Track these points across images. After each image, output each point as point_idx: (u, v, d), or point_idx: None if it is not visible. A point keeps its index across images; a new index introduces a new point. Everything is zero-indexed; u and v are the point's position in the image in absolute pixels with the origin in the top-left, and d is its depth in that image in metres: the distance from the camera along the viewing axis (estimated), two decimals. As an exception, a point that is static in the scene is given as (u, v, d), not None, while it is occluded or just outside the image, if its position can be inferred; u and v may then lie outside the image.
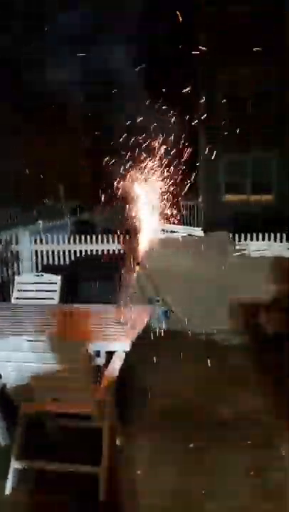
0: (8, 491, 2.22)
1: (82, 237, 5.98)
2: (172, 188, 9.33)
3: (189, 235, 5.25)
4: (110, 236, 5.92)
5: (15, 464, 2.26)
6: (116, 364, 2.37)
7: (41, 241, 6.10)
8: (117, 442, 2.58)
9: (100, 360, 3.08)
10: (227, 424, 2.83)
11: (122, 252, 5.71)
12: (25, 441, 2.34)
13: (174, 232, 5.29)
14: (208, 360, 3.92)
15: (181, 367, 3.78)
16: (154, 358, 3.99)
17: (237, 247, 5.17)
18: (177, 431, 2.75)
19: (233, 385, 3.39)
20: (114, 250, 5.85)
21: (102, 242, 5.93)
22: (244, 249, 5.05)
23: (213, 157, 13.49)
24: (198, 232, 5.28)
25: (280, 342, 4.27)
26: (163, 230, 5.27)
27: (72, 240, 6.04)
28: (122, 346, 2.35)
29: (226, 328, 4.64)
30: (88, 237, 5.97)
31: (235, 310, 4.70)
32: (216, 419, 2.89)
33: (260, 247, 5.09)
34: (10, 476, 2.24)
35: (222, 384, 3.41)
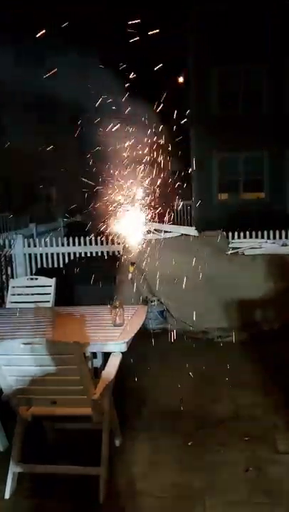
0: (7, 495, 2.20)
1: (76, 240, 5.97)
2: (165, 188, 9.34)
3: (183, 234, 5.25)
4: (104, 238, 5.91)
5: (14, 468, 2.25)
6: (113, 365, 2.37)
7: (34, 244, 6.08)
8: (116, 443, 2.58)
9: (97, 362, 3.08)
10: (224, 421, 2.84)
11: (116, 253, 5.70)
12: (24, 444, 2.33)
13: (168, 232, 5.29)
14: (205, 359, 3.94)
15: (178, 366, 3.78)
16: (151, 358, 4.00)
17: (231, 246, 5.19)
18: (175, 429, 2.76)
19: (230, 382, 3.40)
20: (108, 252, 5.85)
21: (96, 244, 5.92)
22: (238, 248, 5.06)
23: (204, 157, 13.60)
24: (192, 231, 5.28)
25: (276, 339, 4.30)
26: (156, 230, 5.27)
27: (65, 243, 6.03)
28: (118, 347, 2.35)
29: (222, 326, 4.65)
30: (82, 240, 5.96)
31: (231, 308, 4.71)
32: (213, 417, 2.89)
33: (254, 245, 5.11)
34: (9, 480, 2.23)
35: (218, 382, 3.42)
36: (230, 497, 2.13)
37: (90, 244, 5.93)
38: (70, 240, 5.98)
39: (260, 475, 2.28)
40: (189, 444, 2.59)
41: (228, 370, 3.66)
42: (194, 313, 4.74)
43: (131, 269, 3.22)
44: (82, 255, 5.92)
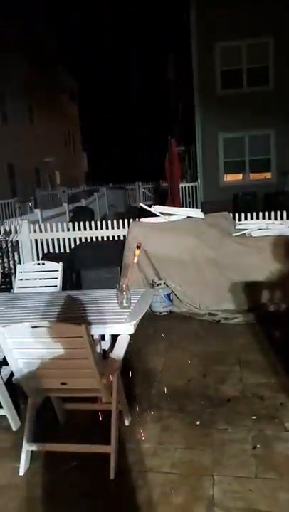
0: (22, 472, 2.28)
1: (82, 225, 5.97)
2: (171, 170, 9.27)
3: (189, 217, 5.22)
4: (110, 222, 5.91)
5: (27, 447, 2.31)
6: (121, 346, 2.40)
7: (40, 230, 6.09)
8: (126, 423, 2.64)
9: (105, 344, 3.12)
10: (232, 400, 2.88)
11: (122, 237, 5.70)
12: (35, 425, 2.40)
13: (174, 214, 5.27)
14: (212, 340, 3.98)
15: (185, 347, 3.83)
16: (158, 340, 4.04)
17: (237, 227, 5.16)
18: (183, 409, 2.81)
19: (237, 363, 3.44)
20: (114, 236, 5.85)
21: (102, 228, 5.91)
22: (245, 229, 5.04)
23: (209, 136, 13.41)
24: (198, 213, 5.25)
25: (282, 320, 4.31)
26: (162, 213, 5.25)
27: (71, 228, 6.03)
28: (126, 329, 2.37)
29: (229, 308, 4.67)
30: (87, 224, 5.96)
31: (238, 290, 4.72)
32: (221, 396, 2.93)
33: (261, 226, 5.07)
34: (23, 458, 2.30)
35: (226, 362, 3.46)
36: (238, 473, 2.18)
37: (96, 228, 5.93)
38: (76, 224, 5.98)
39: (268, 452, 2.33)
40: (197, 423, 2.64)
41: (235, 350, 3.69)
42: (201, 295, 4.76)
43: (136, 252, 3.22)
44: (88, 240, 5.93)
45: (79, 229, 5.96)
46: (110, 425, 2.28)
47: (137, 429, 2.61)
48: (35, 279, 3.88)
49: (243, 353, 3.62)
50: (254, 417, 2.66)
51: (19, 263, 5.86)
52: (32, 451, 2.35)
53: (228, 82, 13.31)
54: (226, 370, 3.34)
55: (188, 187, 14.45)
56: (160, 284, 4.80)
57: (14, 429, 2.66)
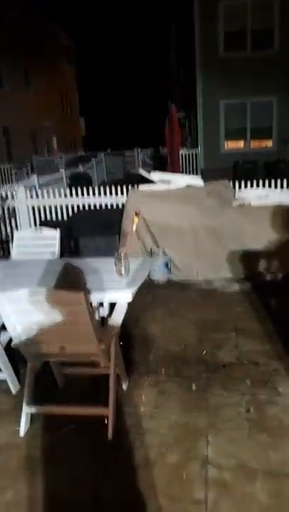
0: (22, 433, 2.35)
1: (79, 191, 5.88)
2: (171, 136, 9.07)
3: (189, 184, 5.15)
4: (108, 189, 5.82)
5: (27, 410, 2.38)
6: (119, 313, 2.42)
7: (37, 196, 6.01)
8: (123, 387, 2.70)
9: (104, 311, 3.15)
10: (227, 366, 2.94)
11: (120, 205, 5.64)
12: (35, 388, 2.45)
13: (173, 182, 5.19)
14: (209, 308, 4.03)
15: (183, 314, 3.87)
16: (156, 307, 4.09)
17: (237, 196, 5.10)
18: (180, 374, 2.87)
19: (233, 330, 3.49)
20: (112, 203, 5.78)
21: (100, 195, 5.84)
22: (244, 198, 4.98)
23: (211, 102, 13.03)
24: (197, 181, 5.17)
25: (279, 289, 4.35)
26: (162, 180, 5.17)
27: (68, 194, 5.95)
28: (124, 297, 2.38)
29: (226, 276, 4.70)
30: (85, 191, 5.88)
31: (236, 259, 4.73)
32: (217, 362, 3.00)
33: (260, 194, 5.02)
34: (23, 420, 2.36)
35: (222, 329, 3.51)
36: (232, 435, 2.25)
37: (94, 195, 5.85)
38: (74, 191, 5.89)
39: (261, 415, 2.40)
40: (193, 387, 2.71)
41: (232, 318, 3.74)
42: (198, 264, 4.78)
43: (135, 220, 3.19)
44: (86, 207, 5.86)
45: (76, 195, 5.89)
46: (108, 389, 2.33)
47: (134, 393, 2.67)
48: (33, 246, 3.86)
49: (239, 321, 3.67)
50: (248, 382, 2.73)
51: (16, 230, 5.82)
52: (32, 413, 2.42)
53: (231, 45, 12.79)
54: (222, 337, 3.40)
55: (189, 154, 14.20)
56: (158, 252, 4.79)
57: (14, 392, 2.72)
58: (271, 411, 2.43)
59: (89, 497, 1.92)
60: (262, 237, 4.64)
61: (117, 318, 2.41)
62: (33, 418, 2.43)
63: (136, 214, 3.13)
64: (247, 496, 1.87)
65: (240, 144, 13.84)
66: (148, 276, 4.68)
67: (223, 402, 2.55)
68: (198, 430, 2.30)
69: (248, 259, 4.70)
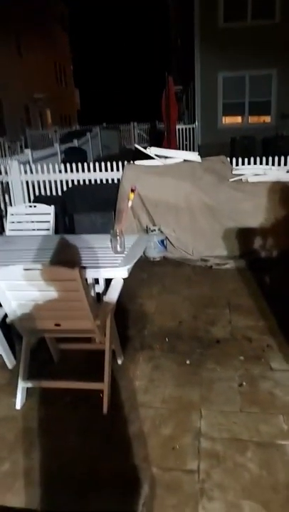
0: (18, 406, 2.39)
1: (74, 166, 5.79)
2: (167, 110, 8.88)
3: (186, 160, 5.07)
4: (103, 164, 5.73)
5: (22, 384, 2.41)
6: (115, 290, 2.42)
7: (31, 171, 5.91)
8: (118, 362, 2.74)
9: (100, 288, 3.16)
10: (221, 341, 2.98)
11: (116, 180, 5.57)
12: (30, 363, 2.48)
13: (169, 157, 5.11)
14: (203, 285, 4.05)
15: (177, 291, 3.90)
16: (151, 284, 4.10)
17: (234, 172, 5.05)
18: (174, 349, 2.91)
19: (227, 306, 3.52)
20: (107, 179, 5.70)
21: (95, 170, 5.75)
22: (242, 174, 4.93)
23: (209, 75, 12.72)
24: (194, 157, 5.09)
25: (273, 266, 4.37)
26: (158, 156, 5.09)
27: (63, 169, 5.85)
28: (120, 273, 2.38)
29: (221, 254, 4.70)
30: (80, 166, 5.78)
31: (231, 236, 4.73)
32: (210, 338, 3.04)
33: (258, 171, 4.97)
34: (19, 394, 2.40)
35: (216, 306, 3.54)
36: (224, 408, 2.31)
37: (89, 170, 5.76)
38: (68, 166, 5.80)
39: (253, 389, 2.45)
40: (187, 362, 2.75)
41: (226, 295, 3.77)
42: (194, 241, 4.77)
43: (131, 196, 3.15)
44: (81, 182, 5.78)
45: (71, 171, 5.79)
46: (104, 364, 2.36)
47: (129, 368, 2.71)
48: (27, 222, 3.83)
49: (234, 298, 3.70)
50: (242, 358, 2.78)
51: (10, 205, 5.76)
52: (28, 387, 2.45)
53: (231, 14, 12.37)
54: (216, 313, 3.43)
55: (186, 129, 13.95)
56: (154, 229, 4.77)
57: (10, 367, 2.75)
58: (263, 385, 2.48)
59: (85, 468, 1.97)
60: (258, 215, 4.63)
61: (113, 294, 2.42)
62: (29, 392, 2.47)
63: (132, 190, 3.10)
64: (238, 466, 1.93)
65: (238, 119, 13.60)
66: (143, 253, 4.69)
67: (216, 376, 2.59)
68: (192, 404, 2.35)
69: (243, 236, 4.70)
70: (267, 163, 5.54)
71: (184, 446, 2.05)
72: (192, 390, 2.48)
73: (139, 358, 2.83)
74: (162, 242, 4.78)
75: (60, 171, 5.85)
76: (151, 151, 5.12)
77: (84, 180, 5.77)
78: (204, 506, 1.74)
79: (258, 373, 2.61)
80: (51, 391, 2.46)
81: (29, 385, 2.44)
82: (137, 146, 5.64)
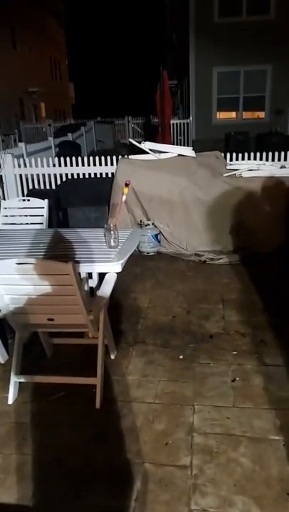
0: (10, 401, 2.37)
1: (68, 160, 5.74)
2: (162, 105, 8.84)
3: (180, 155, 5.05)
4: (97, 158, 5.69)
5: (15, 378, 2.39)
6: (108, 284, 2.40)
7: (25, 164, 5.85)
8: (112, 357, 2.73)
9: (93, 282, 3.14)
10: (214, 336, 2.98)
11: (110, 175, 5.53)
12: (23, 358, 2.46)
13: (164, 152, 5.08)
14: (197, 279, 4.05)
15: (171, 286, 3.89)
16: (145, 279, 4.09)
17: (228, 168, 5.03)
18: (167, 344, 2.91)
19: (221, 301, 3.52)
20: (101, 173, 5.67)
21: (89, 164, 5.70)
22: (236, 170, 4.92)
23: (204, 69, 12.68)
24: (189, 151, 5.07)
25: (267, 262, 4.38)
26: (152, 150, 5.06)
27: (57, 163, 5.80)
28: (113, 268, 2.36)
29: (215, 249, 4.70)
30: (74, 160, 5.73)
31: (225, 231, 4.72)
32: (204, 333, 3.04)
33: (252, 167, 4.96)
34: (11, 388, 2.38)
35: (210, 301, 3.54)
36: (217, 403, 2.31)
37: (83, 165, 5.72)
38: (62, 160, 5.75)
39: (246, 384, 2.45)
40: (180, 357, 2.75)
41: (219, 290, 3.78)
42: (188, 236, 4.76)
43: (125, 190, 3.13)
44: (75, 176, 5.74)
45: (65, 165, 5.74)
46: (97, 359, 2.35)
47: (122, 363, 2.70)
48: (21, 215, 3.79)
49: (227, 292, 3.70)
50: (235, 353, 2.78)
51: (3, 199, 5.70)
52: (20, 382, 2.43)
53: (226, 9, 12.32)
54: (209, 308, 3.43)
55: (180, 124, 13.91)
56: (148, 224, 4.76)
57: (2, 362, 2.73)
58: (256, 380, 2.49)
59: (77, 463, 1.96)
60: (252, 210, 4.63)
61: (106, 288, 2.40)
62: (21, 387, 2.45)
63: (126, 184, 3.07)
64: (231, 461, 1.93)
65: (233, 114, 13.59)
66: (137, 248, 4.67)
67: (209, 371, 2.59)
68: (185, 398, 2.35)
69: (237, 231, 4.70)
70: (261, 159, 5.53)
71: (176, 442, 2.05)
72: (185, 384, 2.47)
73: (132, 353, 2.82)
74: (156, 236, 4.76)
75: (54, 165, 5.81)
76: (146, 145, 5.10)
77: (78, 174, 5.73)
78: (197, 502, 1.74)
79: (251, 368, 2.61)
80: (44, 386, 2.45)
81: (22, 379, 2.42)
82: (131, 140, 5.61)
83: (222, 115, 13.56)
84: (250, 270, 4.21)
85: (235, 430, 2.11)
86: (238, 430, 2.11)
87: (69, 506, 1.75)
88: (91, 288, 3.15)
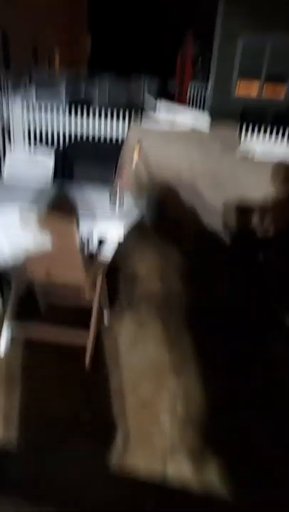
0: (1, 354, 2.40)
1: (79, 114, 5.55)
2: (182, 69, 8.48)
3: (193, 127, 4.90)
4: (109, 117, 5.50)
5: (8, 331, 2.41)
6: (109, 248, 2.39)
7: (34, 110, 5.64)
8: (105, 320, 2.75)
9: (93, 246, 3.11)
10: (205, 310, 3.02)
11: (120, 137, 5.38)
12: (17, 314, 2.47)
13: (179, 116, 4.92)
14: (196, 255, 4.04)
15: (171, 258, 3.89)
16: (145, 248, 4.08)
17: (242, 145, 4.91)
18: (160, 313, 2.94)
19: (216, 278, 3.54)
20: (112, 134, 5.50)
21: (100, 122, 5.52)
22: (250, 148, 4.80)
23: (229, 37, 12.11)
24: (204, 120, 4.92)
25: (266, 246, 4.37)
26: (166, 113, 4.90)
27: (68, 115, 5.61)
28: (115, 231, 2.34)
29: (218, 226, 4.66)
30: (85, 115, 5.54)
31: (229, 211, 4.67)
32: (197, 305, 3.07)
33: (266, 146, 4.84)
34: (3, 341, 2.40)
35: (206, 275, 3.56)
36: (204, 373, 2.36)
37: (94, 122, 5.53)
38: (73, 109, 5.53)
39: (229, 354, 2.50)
40: (172, 327, 2.78)
41: (217, 267, 3.78)
42: (192, 210, 4.70)
43: (136, 153, 3.04)
44: (85, 131, 5.56)
45: (76, 115, 5.55)
46: (90, 321, 2.36)
47: (114, 327, 2.73)
48: (26, 168, 3.70)
49: (224, 270, 3.72)
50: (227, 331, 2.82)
51: (9, 144, 5.55)
52: (13, 336, 2.45)
53: None
54: (205, 282, 3.46)
55: (197, 92, 13.45)
56: (152, 192, 4.68)
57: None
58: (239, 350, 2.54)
59: (63, 416, 2.01)
60: (260, 191, 4.56)
61: (106, 252, 2.39)
62: (14, 341, 2.47)
63: (138, 147, 2.98)
64: (210, 428, 1.99)
65: (253, 89, 13.12)
66: (139, 215, 4.62)
67: (198, 342, 2.63)
68: (172, 366, 2.40)
69: (241, 211, 4.65)
70: (276, 139, 5.40)
71: (159, 407, 2.11)
72: (174, 353, 2.52)
73: (126, 319, 2.85)
74: (159, 206, 4.70)
75: (64, 113, 5.61)
76: (162, 106, 4.92)
77: (88, 127, 5.54)
78: (173, 460, 1.81)
79: (237, 340, 2.65)
80: (36, 342, 2.47)
81: (14, 333, 2.44)
82: (147, 100, 5.42)
83: (242, 87, 13.08)
84: (249, 253, 4.21)
85: (217, 402, 2.17)
86: (221, 401, 2.17)
87: (52, 452, 1.81)
88: (90, 252, 3.13)
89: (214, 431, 2.01)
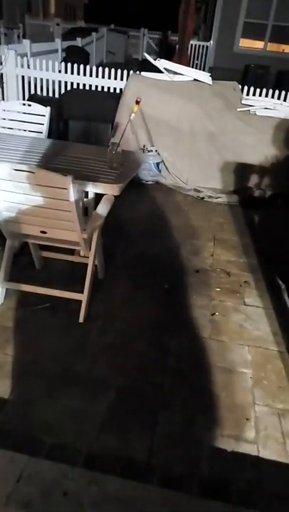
0: (-4, 305, 2.44)
1: (76, 67, 5.32)
2: (184, 22, 8.07)
3: (195, 80, 4.72)
4: (107, 70, 5.28)
5: (2, 285, 2.43)
6: (105, 206, 2.36)
7: (28, 65, 5.42)
8: (99, 277, 2.77)
9: (88, 201, 3.08)
10: (200, 271, 3.04)
11: (118, 90, 5.18)
12: (12, 268, 2.47)
13: (179, 74, 4.74)
14: (193, 215, 4.02)
15: (166, 219, 3.87)
16: (141, 208, 4.04)
17: (244, 102, 4.76)
18: (154, 273, 2.96)
19: (212, 239, 3.54)
20: (109, 87, 5.30)
21: (97, 76, 5.31)
22: (251, 105, 4.66)
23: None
24: (205, 78, 4.73)
25: (264, 206, 4.34)
26: (167, 70, 4.72)
27: (63, 69, 5.38)
28: (112, 190, 2.30)
29: (215, 187, 4.61)
30: (82, 68, 5.32)
31: (228, 170, 4.60)
32: (191, 267, 3.09)
33: (268, 105, 4.69)
34: (-3, 293, 2.43)
35: (202, 237, 3.56)
36: (195, 332, 2.41)
37: (91, 75, 5.32)
38: (69, 66, 5.32)
39: (224, 320, 2.56)
40: (165, 286, 2.82)
41: (213, 228, 3.78)
42: (190, 170, 4.63)
43: (134, 108, 2.95)
44: (81, 86, 5.36)
45: (72, 72, 5.34)
46: (85, 277, 2.38)
47: (109, 284, 2.76)
48: (20, 120, 3.58)
49: (220, 232, 3.71)
50: (218, 289, 2.86)
51: (3, 100, 5.36)
52: (7, 289, 2.47)
53: None
54: (200, 244, 3.45)
55: (199, 46, 12.86)
56: (151, 151, 4.58)
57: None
58: (235, 317, 2.59)
59: (56, 369, 2.07)
60: (259, 151, 4.48)
61: (102, 209, 2.36)
62: (8, 294, 2.49)
63: (136, 101, 2.89)
64: (200, 384, 2.06)
65: (257, 44, 12.53)
66: (136, 175, 4.54)
67: (191, 303, 2.68)
68: (164, 324, 2.45)
69: (240, 171, 4.58)
70: (279, 98, 5.23)
71: (152, 362, 2.17)
72: (166, 311, 2.56)
73: (120, 277, 2.87)
74: (157, 165, 4.62)
75: (59, 71, 5.39)
76: (161, 63, 4.73)
77: (84, 85, 5.35)
78: (164, 415, 1.88)
79: (232, 306, 2.70)
80: (30, 295, 2.49)
81: (8, 286, 2.46)
82: (146, 55, 5.19)
83: (245, 43, 12.49)
84: (247, 213, 4.19)
85: (208, 359, 2.23)
86: (211, 359, 2.23)
87: (44, 404, 1.87)
88: (86, 207, 3.10)
89: (206, 388, 2.07)
